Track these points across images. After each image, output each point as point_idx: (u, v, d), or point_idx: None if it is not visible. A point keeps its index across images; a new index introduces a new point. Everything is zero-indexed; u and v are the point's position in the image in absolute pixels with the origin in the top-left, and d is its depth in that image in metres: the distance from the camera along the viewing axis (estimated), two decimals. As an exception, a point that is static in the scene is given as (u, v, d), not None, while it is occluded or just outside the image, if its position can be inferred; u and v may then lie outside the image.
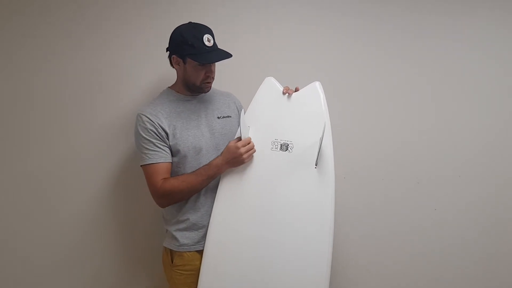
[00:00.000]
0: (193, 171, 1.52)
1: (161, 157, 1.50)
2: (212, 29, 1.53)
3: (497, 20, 1.95)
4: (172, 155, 1.54)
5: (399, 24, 1.92)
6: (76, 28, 1.76)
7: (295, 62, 1.90)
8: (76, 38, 1.76)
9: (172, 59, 1.55)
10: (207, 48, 1.48)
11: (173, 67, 1.58)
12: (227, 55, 1.51)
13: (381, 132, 1.95)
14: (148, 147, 1.49)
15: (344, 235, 1.93)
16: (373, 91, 1.94)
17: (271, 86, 1.59)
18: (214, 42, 1.52)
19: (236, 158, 1.49)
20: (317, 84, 1.58)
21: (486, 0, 1.94)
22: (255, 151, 1.53)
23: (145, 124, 1.49)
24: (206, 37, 1.48)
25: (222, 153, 1.52)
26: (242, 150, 1.49)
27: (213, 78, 1.57)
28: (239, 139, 1.52)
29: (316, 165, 1.50)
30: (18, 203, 1.77)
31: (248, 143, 1.51)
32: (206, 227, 1.55)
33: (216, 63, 1.56)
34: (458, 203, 1.96)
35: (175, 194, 1.50)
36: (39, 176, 1.77)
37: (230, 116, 1.64)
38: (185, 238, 1.55)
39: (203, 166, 1.52)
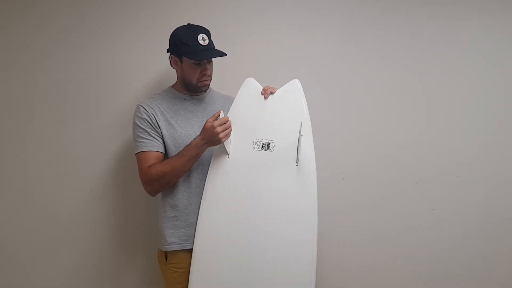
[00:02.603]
0: (176, 154, 1.54)
1: (153, 145, 1.54)
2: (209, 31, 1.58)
3: (496, 21, 1.94)
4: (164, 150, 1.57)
5: (397, 24, 1.95)
6: (77, 29, 1.82)
7: (294, 63, 1.94)
8: (77, 39, 1.83)
9: (171, 59, 1.62)
10: (201, 46, 1.54)
11: (173, 67, 1.64)
12: (221, 54, 1.56)
13: (380, 132, 1.96)
14: (142, 135, 1.55)
15: (342, 235, 1.95)
16: (371, 91, 1.96)
17: (252, 87, 1.60)
18: (210, 42, 1.57)
19: (213, 137, 1.49)
20: (296, 82, 1.59)
21: (485, 1, 1.93)
22: (231, 129, 1.54)
23: (142, 114, 1.56)
24: (201, 36, 1.54)
25: (200, 132, 1.52)
26: (218, 129, 1.48)
27: (209, 77, 1.62)
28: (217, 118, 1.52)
29: (297, 162, 1.51)
30: (17, 202, 1.83)
31: (224, 123, 1.51)
32: (192, 225, 1.56)
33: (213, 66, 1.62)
34: (456, 203, 1.94)
35: (161, 178, 1.51)
36: (39, 176, 1.83)
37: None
38: (173, 236, 1.57)
39: (184, 147, 1.53)
